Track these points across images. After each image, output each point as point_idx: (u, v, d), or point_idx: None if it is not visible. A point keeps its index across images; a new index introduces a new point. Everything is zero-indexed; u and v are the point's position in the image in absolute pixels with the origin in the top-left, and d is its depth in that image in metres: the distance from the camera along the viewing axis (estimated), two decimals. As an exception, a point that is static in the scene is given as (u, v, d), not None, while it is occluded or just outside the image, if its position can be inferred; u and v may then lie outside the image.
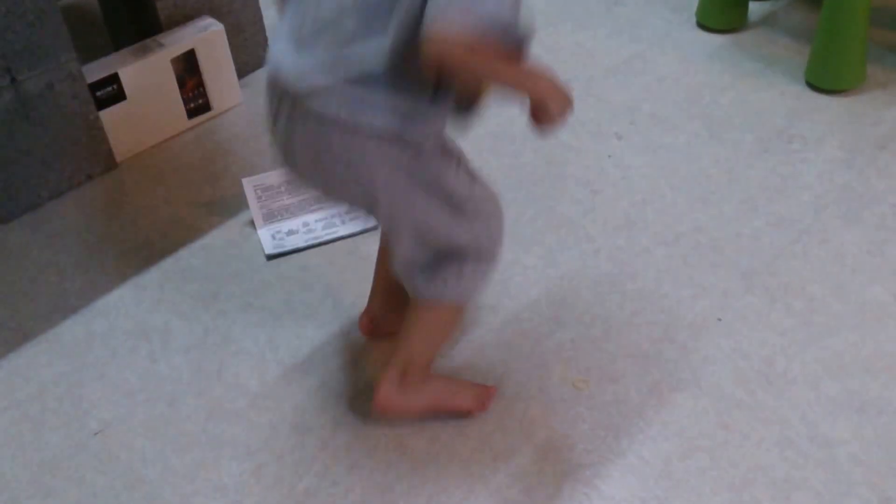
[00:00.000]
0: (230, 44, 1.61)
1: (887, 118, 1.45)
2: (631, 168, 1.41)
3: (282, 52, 0.85)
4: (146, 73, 1.51)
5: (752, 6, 1.70)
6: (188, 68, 1.56)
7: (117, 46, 1.63)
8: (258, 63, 1.74)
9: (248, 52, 1.71)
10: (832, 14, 1.44)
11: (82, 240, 1.36)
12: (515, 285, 1.22)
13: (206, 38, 1.56)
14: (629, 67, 1.64)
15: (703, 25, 1.70)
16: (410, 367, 1.00)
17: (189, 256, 1.31)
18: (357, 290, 1.20)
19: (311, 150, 0.86)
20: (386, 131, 0.82)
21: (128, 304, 1.24)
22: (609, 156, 1.44)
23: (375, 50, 0.79)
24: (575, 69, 1.65)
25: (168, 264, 1.30)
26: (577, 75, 1.63)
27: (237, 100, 1.65)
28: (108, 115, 1.47)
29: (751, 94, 1.54)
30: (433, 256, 0.94)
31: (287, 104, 0.85)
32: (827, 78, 1.50)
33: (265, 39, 1.73)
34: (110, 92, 1.48)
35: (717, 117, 1.49)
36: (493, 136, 1.51)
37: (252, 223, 1.36)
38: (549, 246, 1.28)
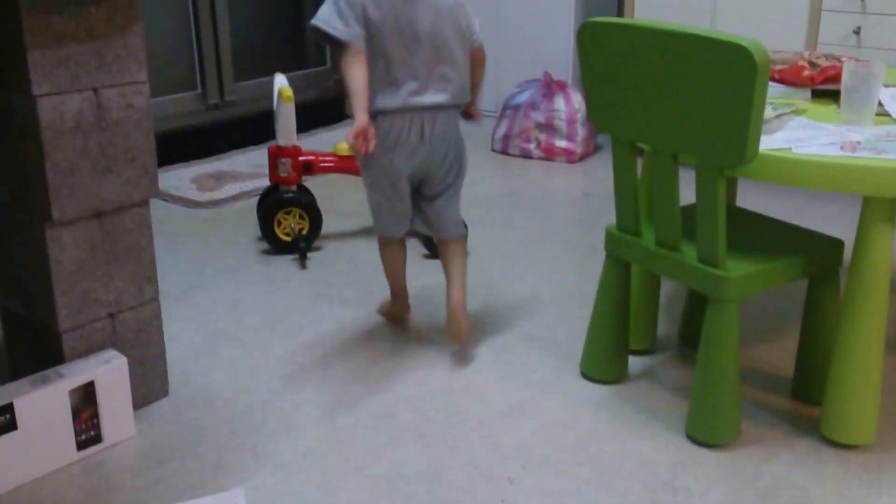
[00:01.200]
0: (130, 375, 1.62)
1: (765, 472, 1.54)
2: (525, 516, 1.42)
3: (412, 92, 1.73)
4: (42, 404, 1.49)
5: (631, 360, 1.86)
6: (85, 399, 1.54)
7: (15, 374, 1.62)
8: (156, 395, 1.74)
9: (148, 384, 1.73)
10: (705, 372, 1.59)
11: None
12: None
13: (108, 370, 1.57)
14: (520, 411, 1.72)
15: (587, 375, 1.84)
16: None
17: None
18: None
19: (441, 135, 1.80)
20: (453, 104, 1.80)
21: None
22: (501, 501, 1.45)
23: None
24: (466, 411, 1.72)
25: None
26: (469, 417, 1.70)
27: (130, 432, 1.62)
28: (-12, 446, 1.41)
29: (636, 443, 1.62)
30: None
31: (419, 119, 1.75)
32: (705, 432, 1.61)
33: (165, 373, 1.76)
34: (2, 421, 1.44)
35: (605, 465, 1.55)
36: (386, 479, 1.51)
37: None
38: None
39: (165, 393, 1.76)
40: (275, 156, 2.42)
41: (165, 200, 2.88)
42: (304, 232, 2.44)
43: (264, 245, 2.53)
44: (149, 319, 1.70)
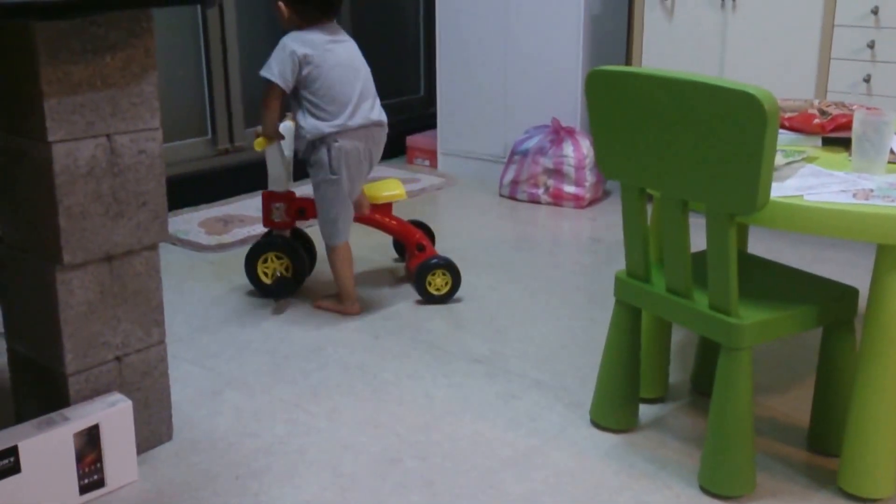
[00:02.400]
0: (135, 418, 1.61)
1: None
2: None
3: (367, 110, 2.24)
4: (46, 448, 1.47)
5: (642, 408, 1.83)
6: (89, 442, 1.53)
7: (20, 418, 1.61)
8: (160, 439, 1.72)
9: (152, 427, 1.71)
10: (718, 422, 1.56)
11: None
12: None
13: (113, 413, 1.56)
14: (528, 460, 1.69)
15: (596, 424, 1.81)
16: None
17: None
18: None
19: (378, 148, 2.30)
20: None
21: None
22: (512, 554, 1.42)
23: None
24: (473, 459, 1.69)
25: None
26: (476, 465, 1.67)
27: (133, 476, 1.60)
28: (-5, 489, 1.40)
29: (647, 495, 1.58)
30: None
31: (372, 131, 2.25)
32: (719, 484, 1.57)
33: (170, 416, 1.74)
34: (6, 465, 1.42)
35: (616, 516, 1.52)
36: (395, 528, 1.47)
37: None
38: None
39: (169, 437, 1.74)
40: (268, 201, 2.39)
41: (174, 244, 2.89)
42: (288, 273, 2.41)
43: (272, 288, 2.52)
44: (155, 362, 1.69)
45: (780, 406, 1.90)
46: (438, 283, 2.41)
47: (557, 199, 3.35)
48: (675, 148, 1.50)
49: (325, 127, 2.16)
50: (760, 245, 2.74)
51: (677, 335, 2.20)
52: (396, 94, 4.14)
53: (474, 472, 1.65)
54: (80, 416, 1.52)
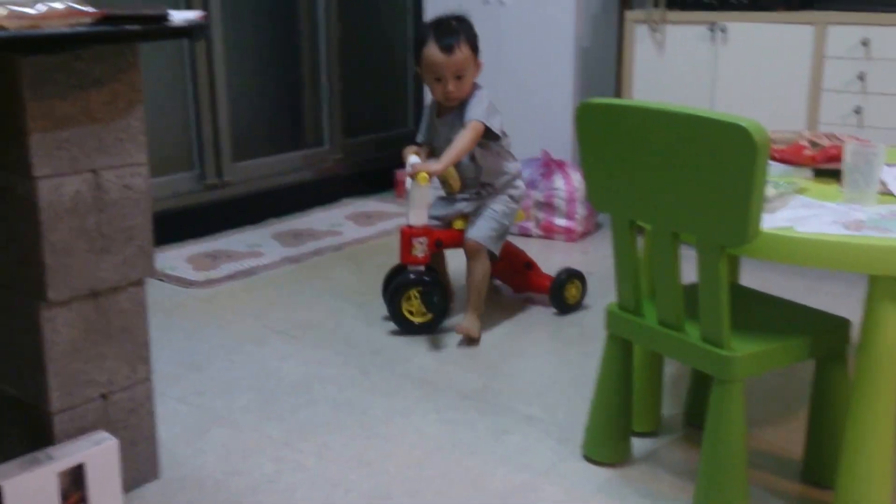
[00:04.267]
0: (121, 458, 1.57)
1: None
2: None
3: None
4: (31, 487, 1.43)
5: (635, 442, 1.81)
6: (74, 481, 1.49)
7: (4, 456, 1.57)
8: (146, 478, 1.69)
9: (139, 466, 1.68)
10: (711, 454, 1.54)
11: None
12: None
13: (98, 452, 1.52)
14: (520, 495, 1.66)
15: (589, 458, 1.78)
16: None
17: None
18: None
19: None
20: None
21: None
22: None
23: None
24: (465, 495, 1.66)
25: None
26: (468, 500, 1.64)
27: (117, 518, 1.56)
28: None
29: (642, 530, 1.56)
30: None
31: None
32: (713, 517, 1.55)
33: (156, 455, 1.71)
34: (-17, 509, 1.39)
35: (611, 554, 1.49)
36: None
37: None
38: None
39: (156, 475, 1.71)
40: (409, 236, 2.36)
41: (161, 280, 2.87)
42: (443, 302, 2.41)
43: (259, 325, 2.50)
44: (141, 400, 1.66)
45: (773, 438, 1.88)
46: (574, 292, 2.62)
47: (549, 233, 3.34)
48: (666, 180, 1.49)
49: (520, 166, 2.55)
50: (753, 277, 2.73)
51: (670, 368, 2.18)
52: (384, 127, 4.16)
53: (466, 510, 1.62)
54: (65, 455, 1.49)
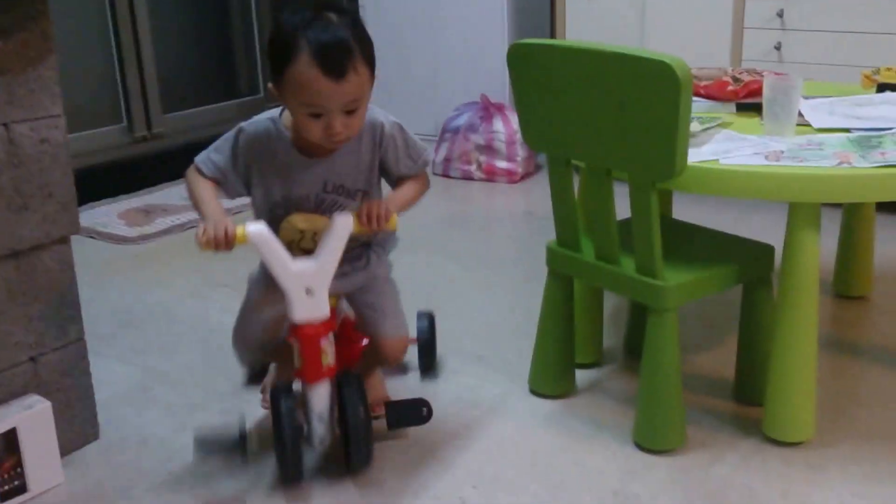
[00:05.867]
0: (56, 421, 1.55)
1: (712, 476, 1.56)
2: (478, 537, 1.41)
3: None
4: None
5: (578, 373, 1.88)
6: (7, 447, 1.47)
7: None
8: (86, 439, 1.67)
9: (76, 428, 1.66)
10: (649, 381, 1.61)
11: None
12: None
13: (30, 416, 1.50)
14: (470, 432, 1.72)
15: (535, 392, 1.84)
16: None
17: None
18: None
19: None
20: None
21: None
22: (456, 524, 1.44)
23: None
24: (417, 434, 1.70)
25: None
26: (420, 439, 1.68)
27: (58, 479, 1.56)
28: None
29: (585, 455, 1.63)
30: None
31: None
32: (652, 439, 1.63)
33: (95, 416, 1.69)
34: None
35: (555, 480, 1.56)
36: (339, 507, 1.48)
37: None
38: None
39: (96, 436, 1.69)
40: (315, 337, 1.46)
41: (92, 237, 2.80)
42: None
43: (200, 279, 2.48)
44: (74, 361, 1.64)
45: (706, 362, 1.97)
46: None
47: (490, 175, 3.37)
48: (596, 118, 1.52)
49: None
50: (685, 210, 2.82)
51: (611, 301, 2.25)
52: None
53: (417, 447, 1.66)
54: (-1, 420, 1.47)
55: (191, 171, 1.52)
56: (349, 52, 1.37)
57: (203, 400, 1.86)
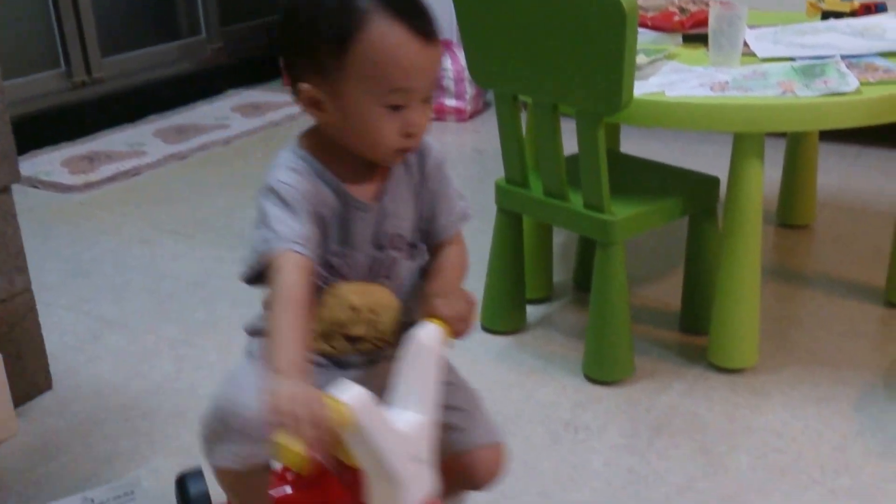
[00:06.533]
0: (7, 372, 1.53)
1: (658, 404, 1.61)
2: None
3: None
4: None
5: (529, 308, 1.90)
6: (-40, 400, 1.45)
7: None
8: (39, 390, 1.66)
9: (28, 379, 1.64)
10: (597, 313, 1.64)
11: None
12: None
13: (-16, 368, 1.48)
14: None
15: (487, 328, 1.86)
16: None
17: None
18: None
19: None
20: None
21: None
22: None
23: None
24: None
25: None
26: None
27: (12, 431, 1.54)
28: None
29: (537, 389, 1.66)
30: None
31: None
32: (601, 370, 1.66)
33: (47, 366, 1.67)
34: None
35: (509, 413, 1.59)
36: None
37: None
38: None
39: (49, 386, 1.68)
40: None
41: (35, 187, 2.71)
42: None
43: (147, 226, 2.43)
44: (23, 312, 1.60)
45: (654, 294, 2.01)
46: None
47: (440, 114, 3.33)
48: (542, 53, 1.51)
49: None
50: (633, 144, 2.83)
51: (560, 236, 2.27)
52: (266, 12, 3.96)
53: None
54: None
55: (278, 267, 0.91)
56: (427, 8, 0.95)
57: (155, 346, 1.84)
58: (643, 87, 1.55)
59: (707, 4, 1.96)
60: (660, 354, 1.76)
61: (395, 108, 0.94)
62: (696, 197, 1.70)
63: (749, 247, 1.60)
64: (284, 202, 0.93)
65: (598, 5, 1.39)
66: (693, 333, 1.81)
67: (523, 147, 1.69)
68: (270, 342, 0.86)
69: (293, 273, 0.90)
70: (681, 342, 1.81)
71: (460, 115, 3.32)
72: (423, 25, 0.93)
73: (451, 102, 3.31)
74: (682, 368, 1.71)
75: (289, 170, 0.96)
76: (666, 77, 1.62)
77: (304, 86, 0.94)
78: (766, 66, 1.65)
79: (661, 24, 1.88)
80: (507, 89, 1.63)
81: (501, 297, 1.83)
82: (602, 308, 1.63)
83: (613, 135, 2.07)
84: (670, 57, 1.74)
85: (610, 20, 1.38)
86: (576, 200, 1.63)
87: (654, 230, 1.93)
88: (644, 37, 1.77)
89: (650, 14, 1.90)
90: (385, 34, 0.91)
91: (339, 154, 0.97)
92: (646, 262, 2.17)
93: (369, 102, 0.93)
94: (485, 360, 1.76)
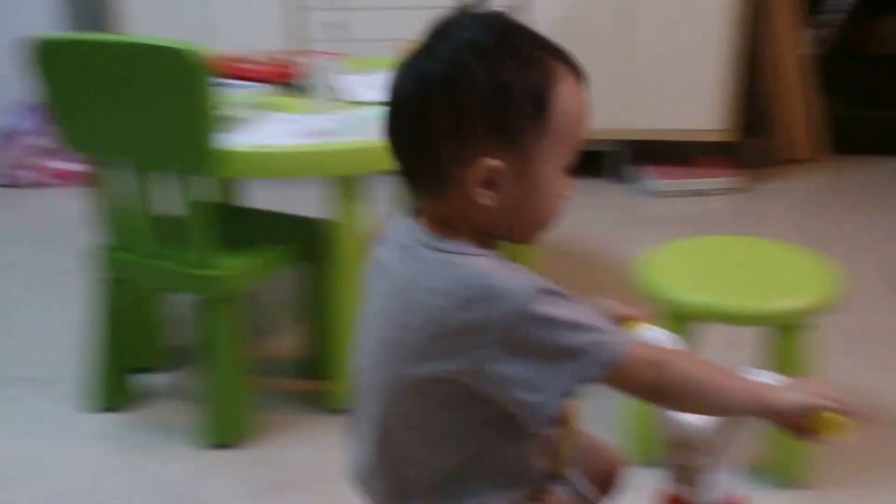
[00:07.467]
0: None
1: (281, 458, 1.55)
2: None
3: None
4: None
5: (141, 379, 1.74)
6: None
7: None
8: None
9: None
10: (211, 375, 1.55)
11: None
12: None
13: None
14: (23, 469, 1.52)
15: (94, 408, 1.68)
16: None
17: None
18: None
19: None
20: None
21: None
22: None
23: None
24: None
25: None
26: None
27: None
28: None
29: (156, 466, 1.54)
30: None
31: None
32: (221, 433, 1.58)
33: None
34: None
35: (125, 497, 1.45)
36: None
37: None
38: None
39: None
40: None
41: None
42: None
43: None
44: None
45: (282, 344, 1.95)
46: None
47: (65, 179, 3.03)
48: (125, 114, 1.44)
49: None
50: (254, 191, 2.77)
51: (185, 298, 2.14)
52: None
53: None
54: None
55: (644, 362, 0.79)
56: None
57: None
58: (240, 141, 1.51)
59: (305, 56, 2.00)
60: (286, 406, 1.72)
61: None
62: (305, 242, 1.69)
63: (353, 289, 1.60)
64: (567, 296, 0.78)
65: (166, 60, 1.35)
66: (317, 379, 1.78)
67: (122, 211, 1.57)
68: (731, 391, 0.81)
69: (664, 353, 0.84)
70: (306, 391, 1.77)
71: (71, 178, 3.04)
72: (581, 71, 0.83)
73: (74, 166, 3.03)
74: (306, 417, 1.68)
75: (513, 269, 0.79)
76: (263, 128, 1.60)
77: (492, 162, 0.78)
78: (360, 111, 1.71)
79: (263, 76, 1.88)
80: (99, 154, 1.53)
81: (106, 371, 1.67)
82: (215, 368, 1.55)
83: (227, 186, 2.00)
84: (270, 107, 1.74)
85: (180, 74, 1.35)
86: (180, 259, 1.54)
87: (286, 277, 1.87)
88: (246, 90, 1.77)
89: (250, 66, 1.90)
90: (571, 86, 0.81)
91: (483, 243, 0.82)
92: (277, 312, 2.11)
93: (556, 165, 0.82)
94: (94, 444, 1.59)
